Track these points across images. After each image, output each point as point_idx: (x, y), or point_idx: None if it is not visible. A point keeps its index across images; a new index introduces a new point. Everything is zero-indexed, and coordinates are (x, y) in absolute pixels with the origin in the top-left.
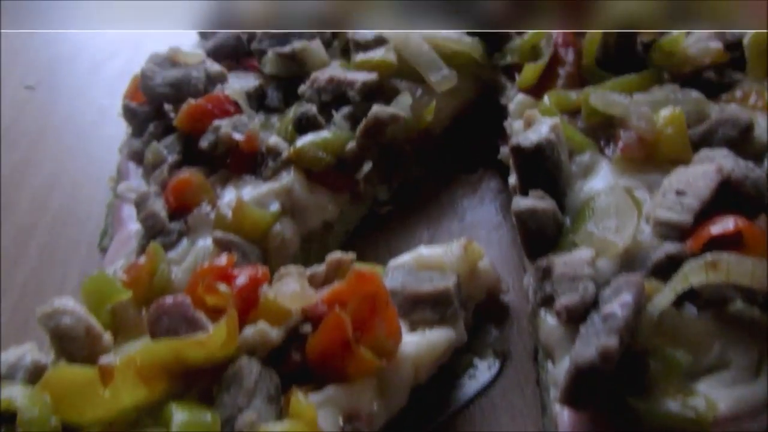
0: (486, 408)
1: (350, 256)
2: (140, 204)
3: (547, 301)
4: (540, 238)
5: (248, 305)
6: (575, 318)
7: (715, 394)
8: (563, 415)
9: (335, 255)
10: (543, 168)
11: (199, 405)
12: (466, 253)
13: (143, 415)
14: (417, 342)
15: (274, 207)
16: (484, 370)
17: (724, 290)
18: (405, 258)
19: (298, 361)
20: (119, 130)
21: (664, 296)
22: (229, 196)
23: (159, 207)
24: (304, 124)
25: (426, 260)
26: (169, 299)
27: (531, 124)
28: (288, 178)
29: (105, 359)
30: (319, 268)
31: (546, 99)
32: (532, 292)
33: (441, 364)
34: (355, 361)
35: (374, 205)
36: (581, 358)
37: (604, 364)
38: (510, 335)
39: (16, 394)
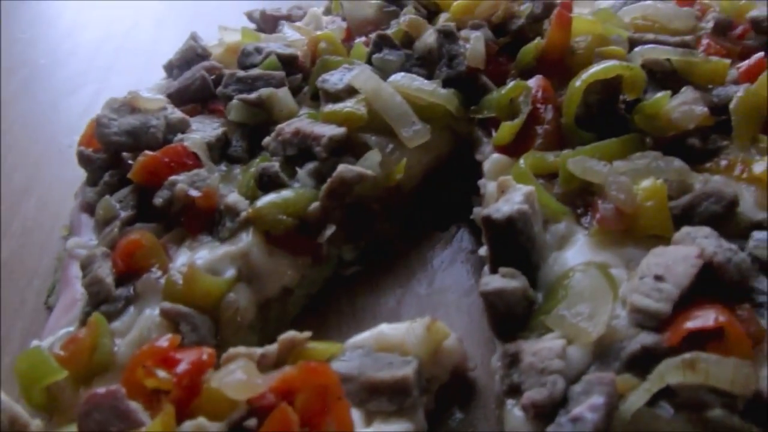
0: None
1: (305, 335)
2: (86, 267)
3: (514, 391)
4: (509, 319)
5: (190, 394)
6: (542, 415)
7: None
8: None
9: (288, 335)
10: (515, 241)
11: None
12: (429, 334)
13: None
14: None
15: (230, 273)
16: None
17: (703, 394)
18: (365, 336)
19: None
20: (79, 172)
21: (638, 396)
22: (181, 260)
23: (106, 271)
24: (266, 182)
25: (386, 340)
26: (101, 390)
27: (504, 191)
28: (246, 240)
29: None
30: (271, 348)
31: (521, 162)
32: (498, 378)
33: None
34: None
35: (339, 266)
36: None
37: None
38: (476, 418)
39: None
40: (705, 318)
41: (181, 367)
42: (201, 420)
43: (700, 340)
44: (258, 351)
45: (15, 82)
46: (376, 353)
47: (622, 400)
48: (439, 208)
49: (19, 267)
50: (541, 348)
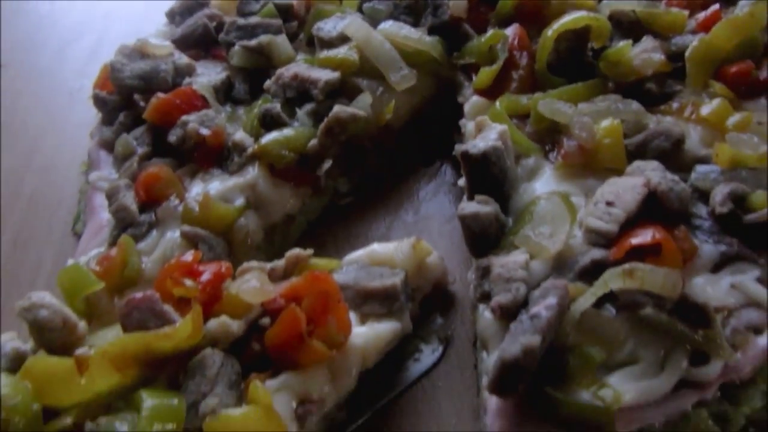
0: (428, 389)
1: (308, 252)
2: (111, 196)
3: (485, 298)
4: (482, 239)
5: (212, 299)
6: (507, 315)
7: (624, 386)
8: (491, 401)
9: (294, 251)
10: (489, 173)
11: (167, 391)
12: (414, 251)
13: (116, 399)
14: (365, 333)
15: (239, 201)
16: (428, 354)
17: (638, 296)
18: (359, 253)
19: (258, 350)
20: (89, 113)
21: (585, 299)
22: (196, 190)
23: (129, 200)
24: (269, 121)
25: (378, 256)
26: (138, 295)
27: (481, 130)
28: (253, 173)
29: (80, 351)
30: (279, 263)
31: (497, 103)
32: (472, 288)
33: (388, 350)
34: (308, 351)
35: (335, 197)
36: (507, 353)
37: (526, 359)
38: (454, 322)
39: (2, 388)
40: (645, 235)
41: (205, 277)
42: (224, 318)
43: (641, 255)
44: (268, 265)
45: (21, 32)
46: (369, 267)
47: (573, 303)
48: (424, 145)
49: (44, 200)
50: (508, 261)
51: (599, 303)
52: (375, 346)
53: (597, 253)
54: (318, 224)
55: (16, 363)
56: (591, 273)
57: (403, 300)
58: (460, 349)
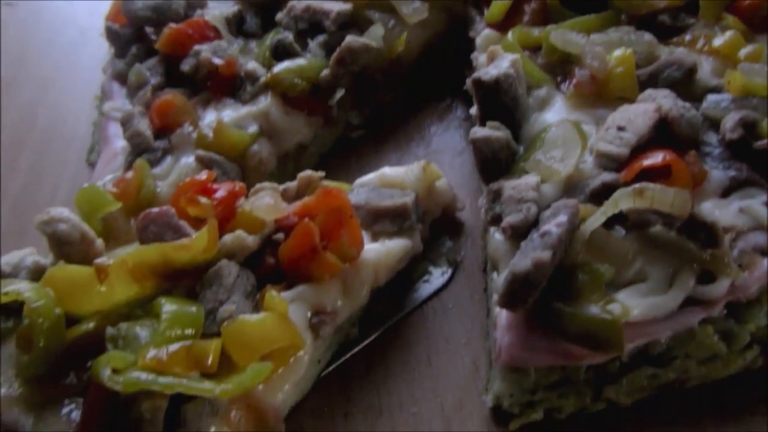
0: (439, 311)
1: (319, 174)
2: (126, 123)
3: (496, 220)
4: (493, 165)
5: (227, 217)
6: (518, 235)
7: (631, 303)
8: (501, 316)
9: (306, 173)
10: (501, 101)
11: (185, 299)
12: (424, 174)
13: (135, 308)
14: (377, 249)
15: (252, 129)
16: (437, 276)
17: (648, 215)
18: (369, 176)
19: (272, 264)
20: (101, 50)
21: (595, 218)
22: (209, 118)
23: (144, 126)
24: (281, 51)
25: (388, 179)
26: (155, 210)
27: (493, 59)
28: (265, 101)
29: (100, 260)
30: (291, 184)
31: (510, 35)
32: (483, 212)
33: (399, 269)
34: (321, 264)
35: (347, 129)
36: (517, 267)
37: (536, 272)
38: (463, 247)
39: (23, 287)
40: (655, 157)
41: (219, 194)
42: (239, 231)
43: (651, 177)
44: (280, 186)
45: None
46: (379, 189)
47: (583, 223)
48: (435, 82)
49: (57, 134)
50: (519, 183)
51: (609, 224)
52: (386, 262)
53: (607, 176)
54: (330, 156)
55: (36, 275)
56: (601, 195)
57: (414, 219)
58: (470, 275)
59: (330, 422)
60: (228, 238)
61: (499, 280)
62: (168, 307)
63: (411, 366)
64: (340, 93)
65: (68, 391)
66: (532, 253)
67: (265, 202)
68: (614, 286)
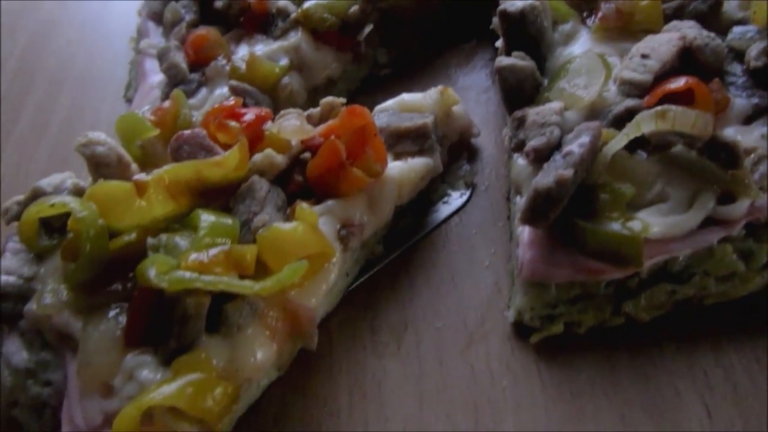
0: (463, 235)
1: (341, 99)
2: (162, 56)
3: (520, 146)
4: (518, 93)
5: (255, 139)
6: (541, 157)
7: (652, 221)
8: (524, 233)
9: (328, 99)
10: (526, 33)
11: (221, 212)
12: (442, 98)
13: (172, 223)
14: (400, 167)
15: (283, 62)
16: (456, 198)
17: (670, 136)
18: (389, 103)
19: (301, 182)
20: None
21: (617, 140)
22: (242, 52)
23: (180, 59)
24: None
25: (407, 104)
26: (186, 132)
27: None
28: (296, 37)
29: (139, 176)
30: (315, 110)
31: None
32: (507, 139)
33: (420, 189)
34: (348, 179)
35: (374, 67)
36: (540, 183)
37: (558, 189)
38: (487, 177)
39: (69, 199)
40: (678, 81)
41: (247, 117)
42: (269, 150)
43: (673, 103)
44: (305, 113)
45: None
46: (399, 113)
47: (605, 146)
48: (461, 22)
49: (96, 73)
50: (543, 109)
51: (631, 148)
52: (409, 178)
53: (631, 102)
54: (358, 94)
55: (76, 195)
56: (624, 119)
57: (434, 139)
58: (493, 203)
59: (357, 334)
60: (258, 157)
61: (521, 202)
62: (206, 217)
63: (435, 285)
64: (368, 29)
65: (114, 297)
66: (555, 172)
67: (292, 124)
68: (635, 206)
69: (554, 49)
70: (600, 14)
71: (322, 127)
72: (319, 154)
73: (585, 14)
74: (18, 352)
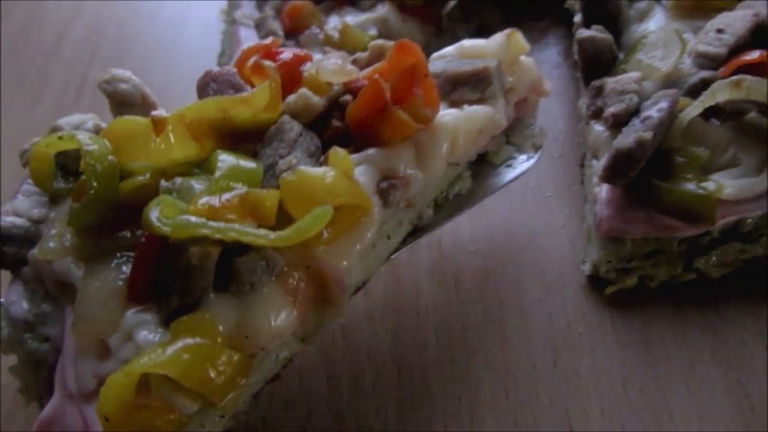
0: (539, 198)
1: (391, 42)
2: (260, 24)
3: (597, 114)
4: (596, 64)
5: (291, 81)
6: (619, 123)
7: (725, 183)
8: (602, 191)
9: (378, 41)
10: (605, 8)
11: (245, 155)
12: (509, 42)
13: (193, 167)
14: (455, 114)
15: (372, 32)
16: (522, 161)
17: (744, 104)
18: (447, 49)
19: (339, 128)
20: None
21: (694, 108)
22: (333, 22)
23: (277, 26)
24: None
25: (468, 50)
26: (216, 68)
27: None
28: (383, 9)
29: (157, 112)
30: (362, 54)
31: None
32: (585, 108)
33: (479, 149)
34: (392, 124)
35: (453, 41)
36: (621, 144)
37: (638, 149)
38: (556, 141)
39: (79, 132)
40: (752, 54)
41: (284, 56)
42: (304, 90)
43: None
44: (351, 56)
45: None
46: (458, 59)
47: (681, 113)
48: (536, 3)
49: (189, 42)
50: (622, 78)
51: (705, 116)
52: (465, 129)
53: (706, 74)
54: None
55: None
56: (700, 89)
57: (497, 86)
58: (567, 169)
59: (442, 281)
60: (292, 97)
61: (598, 165)
62: (225, 157)
63: (513, 242)
64: (452, 3)
65: (120, 245)
66: (634, 134)
67: (333, 63)
68: (708, 169)
69: (630, 25)
70: None
71: (367, 70)
72: (360, 95)
73: None
74: (18, 302)
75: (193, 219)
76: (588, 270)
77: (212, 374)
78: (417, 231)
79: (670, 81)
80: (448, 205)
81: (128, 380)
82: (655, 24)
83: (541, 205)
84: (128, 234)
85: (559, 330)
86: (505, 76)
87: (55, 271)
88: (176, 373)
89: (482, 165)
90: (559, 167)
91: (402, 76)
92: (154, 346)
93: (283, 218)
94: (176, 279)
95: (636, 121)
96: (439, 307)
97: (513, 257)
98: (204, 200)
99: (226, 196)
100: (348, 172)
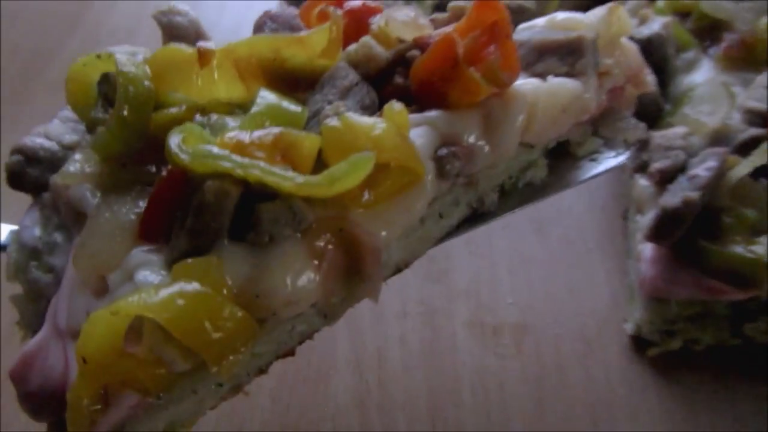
0: (581, 249)
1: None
2: None
3: (642, 167)
4: (642, 118)
5: (358, 32)
6: (665, 179)
7: None
8: (646, 250)
9: (459, 2)
10: (651, 60)
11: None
12: (610, 17)
13: (234, 109)
14: (536, 84)
15: None
16: (609, 157)
17: None
18: (537, 20)
19: (401, 85)
20: None
21: (743, 167)
22: None
23: None
24: None
25: (560, 22)
26: (275, 9)
27: (645, 22)
28: None
29: (204, 43)
30: (441, 14)
31: (660, 1)
32: (630, 161)
33: (560, 134)
34: (462, 84)
35: None
36: (668, 203)
37: (685, 209)
38: (598, 191)
39: (116, 50)
40: None
41: (351, 4)
42: (367, 38)
43: None
44: (429, 16)
45: None
46: (549, 29)
47: (729, 171)
48: None
49: None
50: (668, 132)
51: (755, 175)
52: (547, 104)
53: (755, 131)
54: None
55: None
56: (749, 147)
57: (591, 61)
58: (610, 221)
59: (479, 334)
60: (353, 46)
61: (643, 220)
62: (266, 94)
63: (553, 295)
64: None
65: (143, 179)
66: (681, 193)
67: (404, 15)
68: (758, 231)
69: (676, 77)
70: (724, 44)
71: (443, 29)
72: (430, 49)
73: (707, 43)
74: (31, 228)
75: (216, 149)
76: (630, 330)
77: (208, 328)
78: (475, 218)
79: (718, 137)
80: (515, 194)
81: (115, 320)
82: (703, 75)
83: (583, 258)
84: (153, 169)
85: (599, 391)
86: (601, 56)
87: (70, 197)
88: (166, 320)
89: (561, 156)
90: (602, 218)
91: (480, 33)
92: (148, 288)
93: (320, 171)
94: (188, 217)
95: (683, 179)
96: (476, 361)
97: (552, 310)
98: (233, 134)
99: (258, 133)
100: (403, 127)
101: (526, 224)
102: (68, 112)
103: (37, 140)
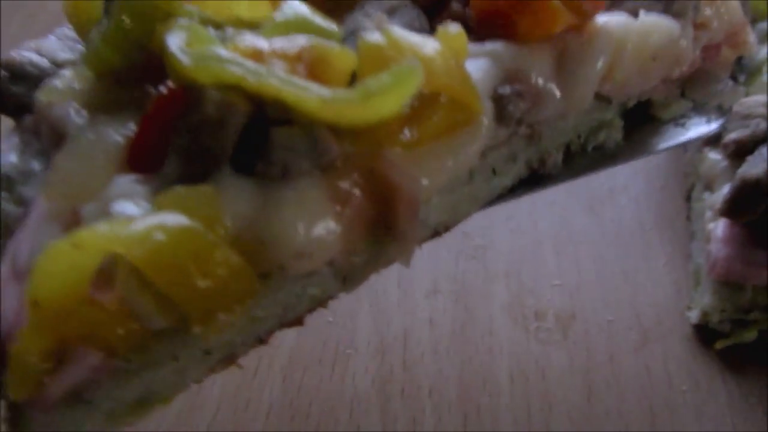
0: (637, 232)
1: None
2: None
3: (714, 140)
4: None
5: None
6: (742, 151)
7: None
8: (718, 228)
9: None
10: None
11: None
12: None
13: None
14: (624, 21)
15: None
16: (698, 123)
17: None
18: None
19: (459, 13)
20: None
21: None
22: None
23: None
24: None
25: None
26: None
27: None
28: None
29: None
30: None
31: None
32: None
33: (645, 90)
34: (534, 12)
35: None
36: (748, 173)
37: None
38: (657, 171)
39: None
40: None
41: None
42: None
43: None
44: None
45: None
46: None
47: None
48: None
49: None
50: (748, 100)
51: None
52: (636, 46)
53: None
54: None
55: None
56: None
57: (689, 2)
58: (672, 201)
59: (519, 317)
60: None
61: (713, 197)
62: (294, 3)
63: (605, 278)
64: None
65: (138, 100)
66: (764, 164)
67: None
68: None
69: None
70: None
71: None
72: None
73: None
74: (8, 154)
75: (224, 52)
76: (695, 319)
77: (193, 273)
78: (533, 180)
79: None
80: (583, 158)
81: (79, 256)
82: None
83: (639, 240)
84: (152, 89)
85: (658, 387)
86: (701, 8)
87: (53, 115)
88: (139, 258)
89: (637, 122)
90: (661, 199)
91: None
92: (124, 220)
93: None
94: (183, 136)
95: (764, 149)
96: (515, 347)
97: (603, 295)
98: (250, 39)
99: (280, 41)
100: (460, 53)
101: (575, 203)
102: (68, 30)
103: (26, 54)
